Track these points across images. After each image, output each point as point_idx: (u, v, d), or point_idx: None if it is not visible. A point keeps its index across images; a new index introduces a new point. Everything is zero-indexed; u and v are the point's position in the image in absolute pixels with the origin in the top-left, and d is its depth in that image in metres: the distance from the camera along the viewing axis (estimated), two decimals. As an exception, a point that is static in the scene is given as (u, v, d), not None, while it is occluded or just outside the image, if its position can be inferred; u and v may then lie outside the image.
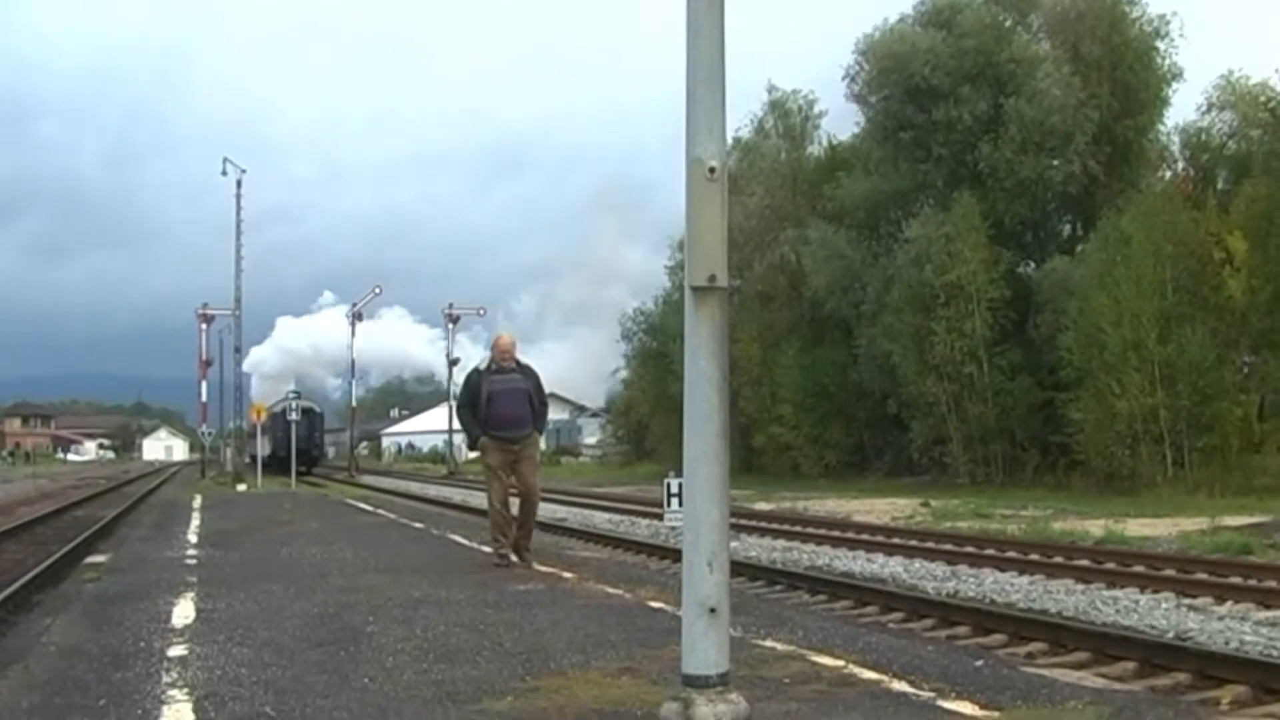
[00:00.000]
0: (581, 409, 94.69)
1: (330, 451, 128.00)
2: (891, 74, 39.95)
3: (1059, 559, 16.45)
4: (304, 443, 49.54)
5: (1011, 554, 17.21)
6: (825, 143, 49.58)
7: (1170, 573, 14.64)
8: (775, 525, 23.56)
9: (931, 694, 5.81)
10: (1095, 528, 21.00)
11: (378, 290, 74.74)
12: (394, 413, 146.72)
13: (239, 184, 51.58)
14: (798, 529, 22.51)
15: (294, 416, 45.38)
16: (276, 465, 47.80)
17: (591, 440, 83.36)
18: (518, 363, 12.22)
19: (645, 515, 25.18)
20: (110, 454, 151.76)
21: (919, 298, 37.69)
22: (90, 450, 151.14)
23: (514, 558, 11.93)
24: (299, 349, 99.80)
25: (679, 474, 4.42)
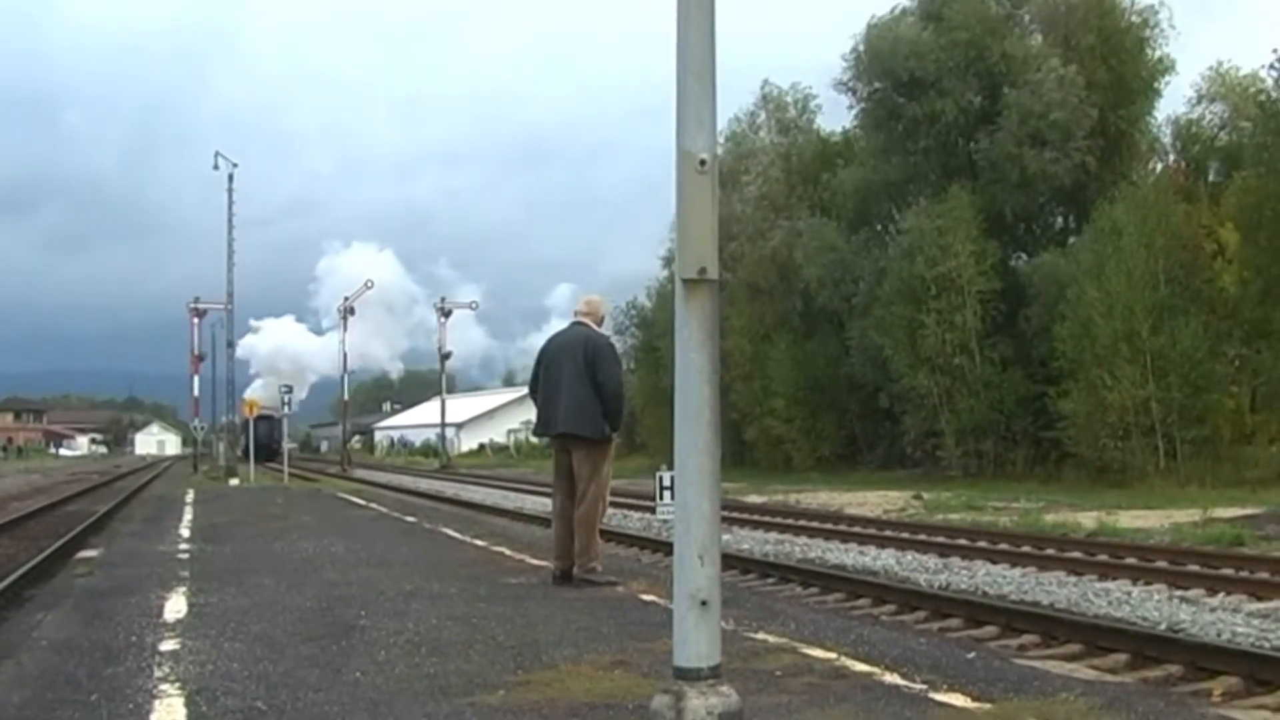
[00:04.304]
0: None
1: (323, 445, 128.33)
2: (885, 65, 40.03)
3: (1051, 551, 16.50)
4: (267, 439, 58.20)
5: (1003, 546, 17.23)
6: (819, 135, 49.68)
7: (1162, 565, 14.67)
8: (767, 518, 23.59)
9: (923, 686, 5.81)
10: (1087, 520, 21.04)
11: (369, 284, 74.59)
12: (386, 406, 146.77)
13: (230, 178, 51.46)
14: (790, 522, 22.52)
15: (288, 411, 45.57)
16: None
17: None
18: None
19: (637, 508, 25.19)
20: (102, 449, 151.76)
21: (910, 290, 37.74)
22: (82, 445, 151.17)
23: (559, 573, 9.98)
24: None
25: (670, 467, 4.41)
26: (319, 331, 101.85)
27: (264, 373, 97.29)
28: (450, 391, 78.89)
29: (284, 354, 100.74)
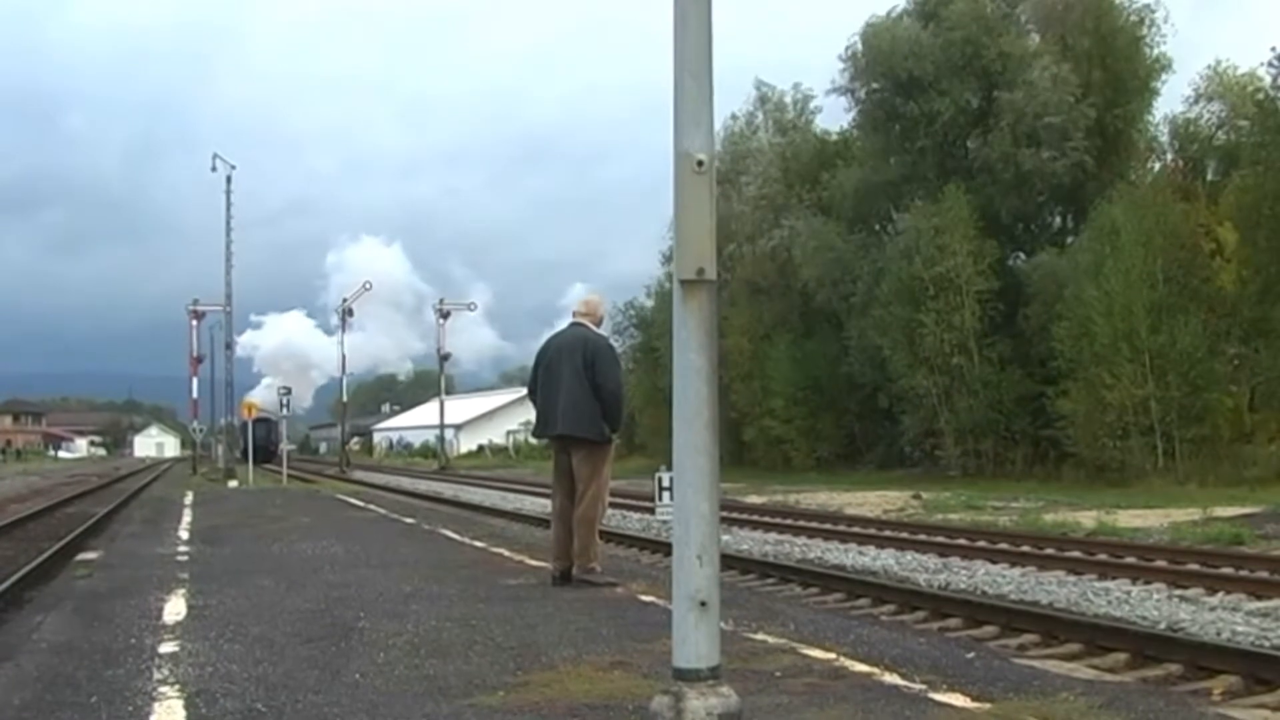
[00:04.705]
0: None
1: (322, 447, 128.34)
2: (882, 66, 40.07)
3: (1050, 551, 16.51)
4: (264, 441, 59.22)
5: (1003, 546, 17.24)
6: (816, 135, 49.74)
7: (1162, 564, 14.68)
8: (767, 518, 23.60)
9: (923, 686, 5.81)
10: (1087, 519, 21.05)
11: (368, 286, 74.52)
12: (385, 408, 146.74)
13: (229, 180, 51.55)
14: (789, 522, 22.53)
15: (286, 413, 45.68)
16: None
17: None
18: None
19: (636, 509, 25.19)
20: (101, 451, 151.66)
21: (908, 290, 37.78)
22: (81, 447, 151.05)
23: (558, 574, 9.94)
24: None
25: (670, 467, 4.40)
26: (329, 330, 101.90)
27: (268, 372, 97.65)
28: (450, 393, 78.85)
29: (288, 352, 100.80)
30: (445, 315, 73.85)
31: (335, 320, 75.69)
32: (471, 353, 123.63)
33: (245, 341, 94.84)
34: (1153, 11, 38.66)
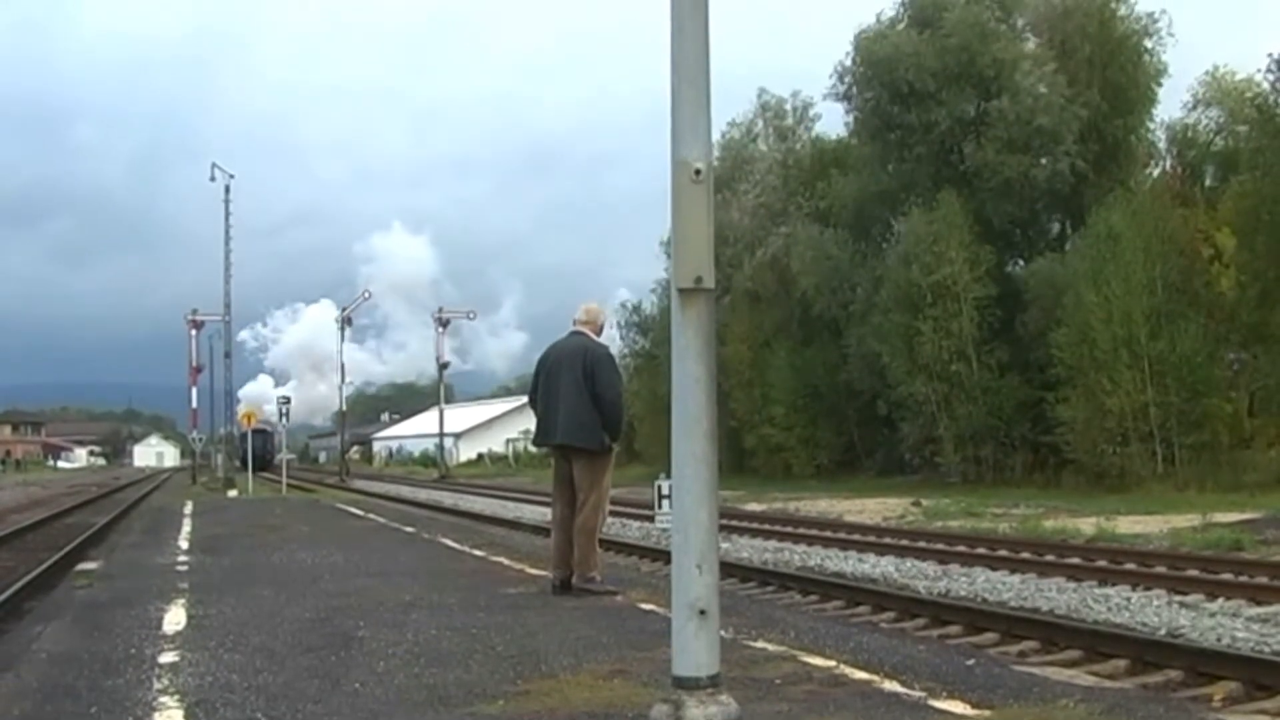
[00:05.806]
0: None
1: (321, 456, 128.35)
2: (878, 74, 40.08)
3: (1050, 557, 16.50)
4: (262, 450, 60.18)
5: (1003, 552, 17.24)
6: (813, 142, 49.79)
7: (1161, 570, 14.68)
8: (766, 526, 23.59)
9: (923, 693, 5.80)
10: (1086, 525, 21.05)
11: (367, 294, 74.59)
12: (385, 416, 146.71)
13: (228, 190, 51.48)
14: (789, 529, 22.52)
15: (285, 423, 45.76)
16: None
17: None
18: None
19: (636, 517, 25.18)
20: (101, 461, 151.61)
21: (907, 297, 37.80)
22: (81, 457, 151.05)
23: (558, 582, 9.89)
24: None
25: (669, 475, 4.40)
26: (357, 340, 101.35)
27: (286, 373, 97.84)
28: (452, 401, 78.80)
29: (307, 352, 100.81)
30: (445, 324, 73.96)
31: (364, 324, 75.79)
32: (505, 360, 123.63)
33: (249, 339, 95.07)
34: (1155, 20, 38.62)
